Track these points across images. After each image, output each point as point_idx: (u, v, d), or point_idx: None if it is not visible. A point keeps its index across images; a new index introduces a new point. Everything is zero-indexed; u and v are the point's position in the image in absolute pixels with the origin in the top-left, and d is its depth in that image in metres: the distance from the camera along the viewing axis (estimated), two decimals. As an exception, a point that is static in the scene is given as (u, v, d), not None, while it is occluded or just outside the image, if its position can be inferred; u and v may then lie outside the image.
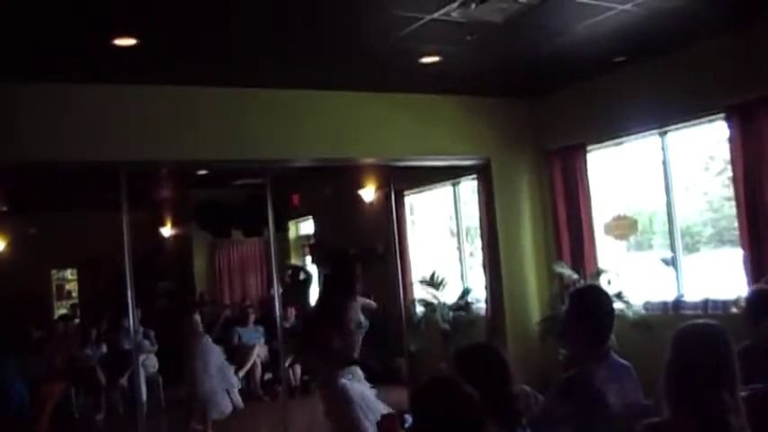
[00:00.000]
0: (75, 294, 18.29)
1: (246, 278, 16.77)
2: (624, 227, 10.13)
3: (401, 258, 12.34)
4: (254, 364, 13.32)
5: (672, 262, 9.48)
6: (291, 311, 13.82)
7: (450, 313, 11.44)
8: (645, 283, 9.98)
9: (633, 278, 9.92)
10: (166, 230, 16.69)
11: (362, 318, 7.05)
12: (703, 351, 3.31)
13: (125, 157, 8.37)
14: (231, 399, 10.80)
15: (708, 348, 3.31)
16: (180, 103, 8.64)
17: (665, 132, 9.44)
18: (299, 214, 16.46)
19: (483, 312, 11.36)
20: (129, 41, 7.06)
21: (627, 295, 9.34)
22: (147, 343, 13.07)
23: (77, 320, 15.59)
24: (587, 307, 4.32)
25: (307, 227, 16.81)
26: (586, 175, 10.32)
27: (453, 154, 10.50)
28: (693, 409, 3.23)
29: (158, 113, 8.50)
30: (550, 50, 8.45)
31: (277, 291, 10.50)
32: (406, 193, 13.35)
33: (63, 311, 17.28)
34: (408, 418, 3.70)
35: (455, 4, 6.75)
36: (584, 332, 4.26)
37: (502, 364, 3.87)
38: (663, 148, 9.50)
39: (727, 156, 8.60)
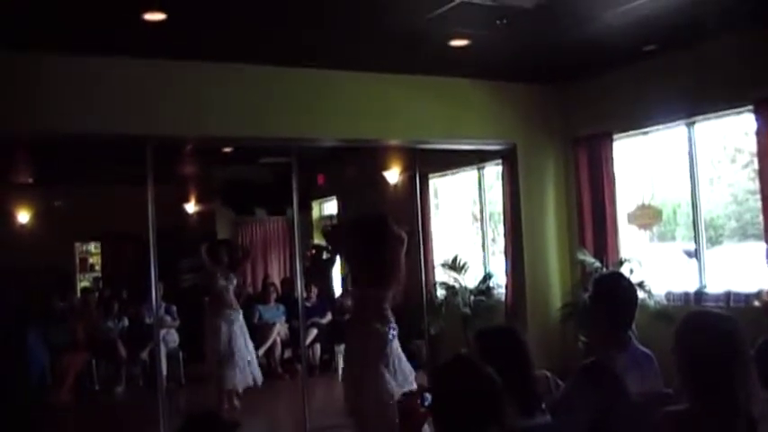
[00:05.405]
0: (97, 268, 18.38)
1: (269, 256, 16.80)
2: (648, 216, 10.10)
3: (424, 241, 12.36)
4: (274, 342, 13.37)
5: (695, 254, 9.45)
6: (313, 291, 13.86)
7: (472, 297, 11.48)
8: (667, 273, 9.93)
9: (655, 268, 9.88)
10: (190, 207, 16.72)
11: None
12: (716, 340, 3.23)
13: (151, 131, 8.38)
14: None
15: (721, 337, 3.25)
16: (207, 80, 8.66)
17: (693, 123, 9.38)
18: (324, 194, 16.46)
19: (503, 298, 11.36)
20: (158, 16, 7.08)
21: (649, 285, 9.33)
22: (168, 318, 13.13)
23: (99, 293, 15.71)
24: (610, 293, 4.34)
25: (330, 207, 16.83)
26: (612, 163, 10.29)
27: (479, 138, 10.51)
28: (712, 398, 3.21)
29: (186, 89, 8.52)
30: (580, 37, 8.42)
31: (299, 270, 10.50)
32: (430, 176, 13.30)
33: (85, 284, 17.39)
34: (428, 397, 3.72)
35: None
36: (606, 318, 4.28)
37: (523, 347, 3.89)
38: (689, 139, 9.44)
39: (754, 149, 8.54)
